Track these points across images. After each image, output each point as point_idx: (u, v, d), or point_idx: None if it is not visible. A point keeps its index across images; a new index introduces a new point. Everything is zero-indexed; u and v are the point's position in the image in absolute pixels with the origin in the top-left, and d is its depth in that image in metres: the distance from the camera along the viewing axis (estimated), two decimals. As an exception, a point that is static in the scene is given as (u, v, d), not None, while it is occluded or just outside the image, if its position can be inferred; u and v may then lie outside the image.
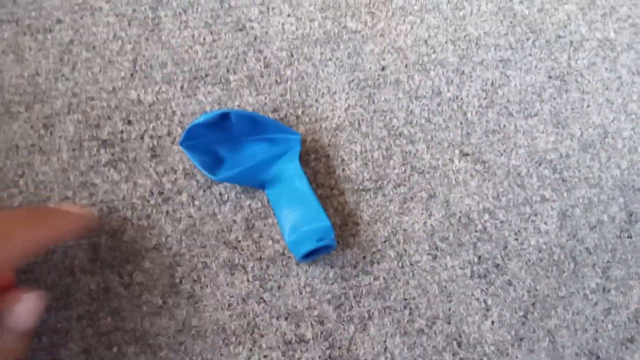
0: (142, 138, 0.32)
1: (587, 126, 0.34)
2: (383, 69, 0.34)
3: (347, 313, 0.30)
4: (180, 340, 0.29)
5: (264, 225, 0.31)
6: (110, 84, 0.33)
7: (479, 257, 0.31)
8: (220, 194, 0.31)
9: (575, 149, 0.34)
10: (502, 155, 0.33)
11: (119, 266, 0.29)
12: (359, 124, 0.33)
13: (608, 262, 0.32)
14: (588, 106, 0.35)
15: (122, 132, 0.32)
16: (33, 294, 0.25)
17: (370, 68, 0.34)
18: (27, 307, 0.24)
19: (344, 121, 0.33)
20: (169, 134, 0.32)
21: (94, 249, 0.30)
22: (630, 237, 0.32)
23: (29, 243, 0.24)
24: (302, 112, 0.33)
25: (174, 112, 0.33)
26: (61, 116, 0.32)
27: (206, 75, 0.33)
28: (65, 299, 0.29)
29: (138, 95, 0.33)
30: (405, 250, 0.31)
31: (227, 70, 0.34)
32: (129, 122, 0.32)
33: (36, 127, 0.32)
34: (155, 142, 0.32)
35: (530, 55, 0.35)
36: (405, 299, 0.30)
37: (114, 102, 0.33)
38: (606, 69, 0.35)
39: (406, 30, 0.35)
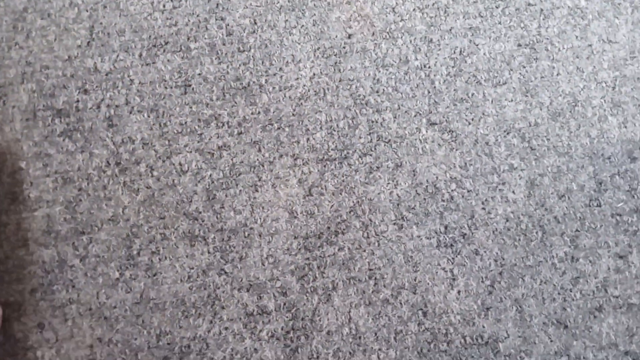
0: (98, 107, 0.31)
1: (556, 94, 0.33)
2: (349, 37, 0.33)
3: (310, 284, 0.29)
4: (137, 313, 0.28)
5: (226, 196, 0.30)
6: (66, 53, 0.31)
7: (446, 227, 0.30)
8: (180, 164, 0.30)
9: (544, 117, 0.33)
10: (470, 124, 0.32)
11: (74, 238, 0.28)
12: (325, 93, 0.32)
13: (577, 230, 0.31)
14: (558, 74, 0.34)
15: (77, 101, 0.31)
16: None
17: (336, 36, 0.33)
18: None
19: (309, 90, 0.32)
20: (127, 103, 0.31)
21: (48, 220, 0.28)
22: (599, 205, 0.31)
23: None
24: (266, 81, 0.32)
25: (132, 81, 0.31)
26: (14, 85, 0.31)
27: (166, 43, 0.32)
28: (18, 272, 0.27)
29: (95, 63, 0.31)
30: (370, 220, 0.30)
31: (188, 38, 0.32)
32: (85, 91, 0.31)
33: (-12, 96, 0.30)
34: (112, 112, 0.31)
35: (499, 23, 0.34)
36: (370, 269, 0.29)
37: (69, 70, 0.31)
38: (576, 37, 0.34)
39: (373, -3, 0.34)
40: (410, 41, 0.33)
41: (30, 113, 0.30)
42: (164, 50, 0.31)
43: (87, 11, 0.32)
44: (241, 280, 0.28)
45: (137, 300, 0.27)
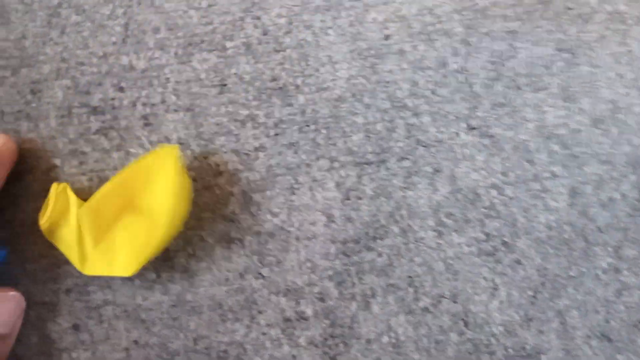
0: (134, 105, 0.30)
1: (597, 101, 0.33)
2: (386, 38, 0.33)
3: (348, 290, 0.28)
4: (174, 315, 0.27)
5: (262, 198, 0.29)
6: (101, 49, 0.31)
7: (487, 235, 0.30)
8: (216, 164, 0.29)
9: (585, 124, 0.32)
10: (510, 129, 0.31)
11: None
12: (362, 95, 0.31)
13: (620, 241, 0.30)
14: (598, 80, 0.33)
15: (113, 99, 0.30)
16: (14, 293, 0.22)
17: (373, 37, 0.33)
18: (8, 308, 0.22)
19: (345, 92, 0.31)
20: (163, 101, 0.30)
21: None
22: (642, 215, 0.31)
23: None
24: (302, 82, 0.31)
25: (167, 79, 0.31)
26: (49, 82, 0.30)
27: (201, 42, 0.31)
28: (53, 271, 0.27)
29: (130, 61, 0.31)
30: (409, 226, 0.29)
31: (224, 37, 0.32)
32: (121, 89, 0.30)
33: (23, 92, 0.30)
34: (148, 110, 0.30)
35: (539, 27, 0.34)
36: (409, 277, 0.29)
37: (104, 67, 0.30)
38: (616, 42, 0.34)
39: (411, -1, 0.33)
40: (449, 43, 0.32)
41: (65, 110, 0.29)
42: (200, 49, 0.31)
43: (121, 7, 0.31)
44: (278, 285, 0.28)
45: (174, 302, 0.27)
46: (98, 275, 0.25)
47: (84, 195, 0.27)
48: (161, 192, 0.25)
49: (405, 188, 0.30)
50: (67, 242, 0.25)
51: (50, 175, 0.28)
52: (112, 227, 0.25)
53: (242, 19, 0.31)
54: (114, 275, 0.25)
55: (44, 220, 0.25)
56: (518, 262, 0.29)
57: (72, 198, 0.26)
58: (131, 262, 0.25)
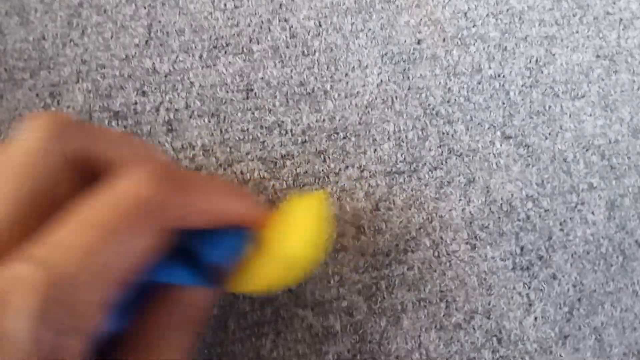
0: (157, 110, 0.29)
1: (637, 110, 0.31)
2: (419, 42, 0.31)
3: (378, 305, 0.27)
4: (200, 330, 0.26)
5: (289, 208, 0.28)
6: (123, 51, 0.30)
7: (522, 248, 0.29)
8: (241, 173, 0.28)
9: (624, 134, 0.31)
10: (547, 138, 0.30)
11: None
12: (393, 101, 0.30)
13: (659, 256, 0.29)
14: (638, 89, 0.32)
15: (135, 103, 0.29)
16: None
17: (405, 41, 0.31)
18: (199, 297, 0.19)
19: (376, 98, 0.30)
20: (187, 106, 0.29)
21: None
22: (682, 229, 0.30)
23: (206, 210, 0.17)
24: (331, 87, 0.30)
25: (192, 84, 0.30)
26: (69, 84, 0.29)
27: (227, 45, 0.30)
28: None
29: (153, 64, 0.30)
30: (441, 238, 0.28)
31: (250, 40, 0.30)
32: (143, 93, 0.29)
33: (42, 95, 0.29)
34: (171, 116, 0.29)
35: (577, 32, 0.32)
36: (441, 291, 0.28)
37: (127, 70, 0.29)
38: (657, 49, 0.32)
39: (444, 1, 0.32)
40: (484, 48, 0.31)
41: (86, 114, 0.28)
42: (225, 52, 0.30)
43: (144, 8, 0.30)
44: (306, 299, 0.27)
45: (198, 317, 0.26)
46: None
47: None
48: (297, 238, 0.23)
49: (437, 199, 0.28)
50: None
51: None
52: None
53: (269, 21, 0.30)
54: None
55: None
56: (554, 277, 0.28)
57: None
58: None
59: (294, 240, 0.23)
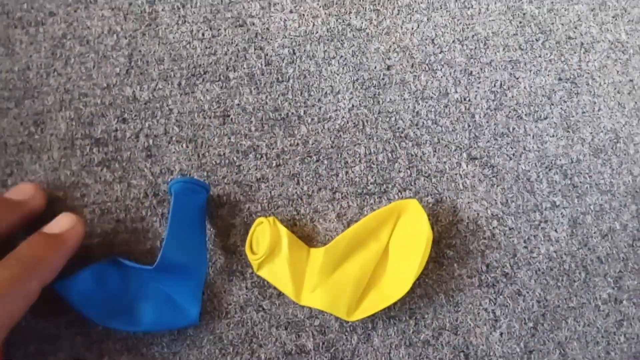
0: (137, 137, 0.30)
1: (598, 130, 0.33)
2: (388, 68, 0.33)
3: (349, 323, 0.28)
4: (174, 350, 0.27)
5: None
6: (105, 80, 0.31)
7: (487, 266, 0.30)
8: (218, 196, 0.29)
9: (586, 153, 0.32)
10: (511, 159, 0.31)
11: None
12: (364, 125, 0.31)
13: (620, 271, 0.30)
14: (599, 110, 0.33)
15: (116, 130, 0.30)
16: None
17: (375, 67, 0.33)
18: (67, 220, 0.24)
19: (347, 122, 0.31)
20: (166, 133, 0.30)
21: (85, 251, 0.28)
22: (642, 245, 0.31)
23: None
24: (304, 112, 0.31)
25: (170, 110, 0.31)
26: (52, 113, 0.30)
27: (205, 72, 0.31)
28: (54, 304, 0.27)
29: (133, 92, 0.31)
30: (410, 257, 0.29)
31: (227, 68, 0.32)
32: (124, 120, 0.30)
33: (26, 124, 0.30)
34: (150, 142, 0.30)
35: (540, 56, 0.34)
36: (410, 309, 0.29)
37: (108, 99, 0.31)
38: (617, 71, 0.34)
39: (412, 28, 0.33)
40: (450, 73, 0.32)
41: (68, 142, 0.29)
42: (203, 80, 0.31)
43: (125, 38, 0.31)
44: (279, 318, 0.28)
45: (174, 336, 0.27)
46: (315, 308, 0.27)
47: (86, 228, 0.27)
48: (411, 246, 0.27)
49: (406, 219, 0.29)
50: (279, 274, 0.26)
51: (53, 208, 0.28)
52: (342, 265, 0.27)
53: (245, 49, 0.32)
54: (332, 314, 0.27)
55: (259, 256, 0.26)
56: (519, 293, 0.29)
57: (283, 230, 0.27)
58: (355, 307, 0.27)
59: (408, 249, 0.27)
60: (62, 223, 0.25)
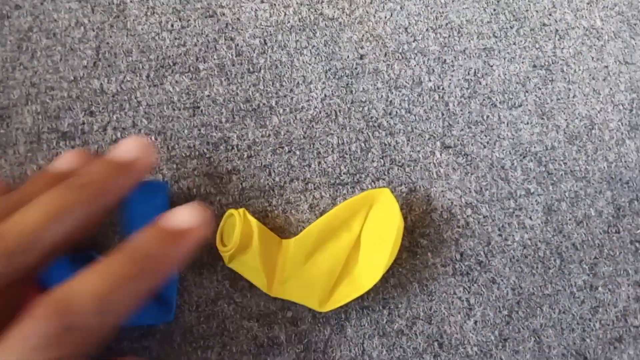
0: (104, 130, 0.30)
1: (573, 117, 0.32)
2: (361, 57, 0.32)
3: (322, 314, 0.28)
4: (144, 344, 0.27)
5: (235, 221, 0.29)
6: (72, 73, 0.30)
7: (461, 254, 0.29)
8: (188, 188, 0.29)
9: (561, 140, 0.32)
10: (485, 147, 0.31)
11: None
12: (336, 115, 0.31)
13: (595, 258, 0.30)
14: (574, 96, 0.33)
15: (83, 123, 0.30)
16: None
17: (348, 57, 0.32)
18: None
19: (320, 112, 0.31)
20: (134, 125, 0.30)
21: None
22: (618, 232, 0.30)
23: None
24: (276, 103, 0.31)
25: (139, 103, 0.30)
26: (18, 107, 0.30)
27: (174, 64, 0.31)
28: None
29: (101, 84, 0.30)
30: (384, 247, 0.29)
31: (197, 59, 0.31)
32: (91, 113, 0.30)
33: (-9, 118, 0.29)
34: (119, 134, 0.30)
35: (514, 43, 0.33)
36: (384, 299, 0.28)
37: (75, 92, 0.30)
38: (592, 58, 0.34)
39: (385, 17, 0.33)
40: (424, 62, 0.32)
41: (34, 136, 0.29)
42: (172, 71, 0.30)
43: (93, 30, 0.31)
44: (251, 310, 0.27)
45: (144, 330, 0.26)
46: (287, 299, 0.27)
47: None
48: (383, 235, 0.27)
49: (379, 209, 0.29)
50: (250, 266, 0.26)
51: (19, 203, 0.27)
52: (313, 256, 0.27)
53: (215, 40, 0.31)
54: (304, 305, 0.27)
55: (229, 248, 0.26)
56: (493, 281, 0.29)
57: (253, 222, 0.26)
58: (327, 298, 0.27)
59: (379, 238, 0.27)
60: (189, 214, 0.20)
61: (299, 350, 0.27)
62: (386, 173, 0.30)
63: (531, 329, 0.28)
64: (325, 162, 0.30)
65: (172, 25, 0.31)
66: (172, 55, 0.31)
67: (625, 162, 0.31)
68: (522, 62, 0.33)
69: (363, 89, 0.31)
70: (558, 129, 0.32)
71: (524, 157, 0.31)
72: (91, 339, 0.17)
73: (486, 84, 0.32)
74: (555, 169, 0.31)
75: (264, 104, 0.30)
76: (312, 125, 0.30)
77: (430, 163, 0.30)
